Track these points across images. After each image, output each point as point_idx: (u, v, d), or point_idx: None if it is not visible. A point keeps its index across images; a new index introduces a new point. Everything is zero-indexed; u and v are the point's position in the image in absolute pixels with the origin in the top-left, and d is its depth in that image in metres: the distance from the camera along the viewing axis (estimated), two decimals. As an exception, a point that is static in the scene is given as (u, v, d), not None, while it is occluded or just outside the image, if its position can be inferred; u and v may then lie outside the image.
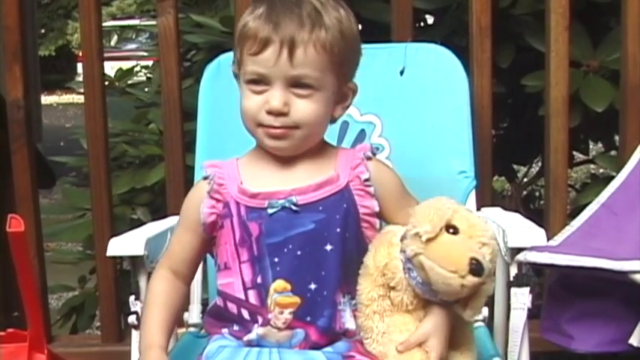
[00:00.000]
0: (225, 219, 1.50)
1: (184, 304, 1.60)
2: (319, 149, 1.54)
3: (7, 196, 2.56)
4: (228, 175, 1.53)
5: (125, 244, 1.69)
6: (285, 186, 1.48)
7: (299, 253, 1.45)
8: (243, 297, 1.48)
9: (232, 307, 1.49)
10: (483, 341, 1.75)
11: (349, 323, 1.47)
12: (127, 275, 1.82)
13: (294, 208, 1.46)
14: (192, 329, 1.92)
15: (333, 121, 1.56)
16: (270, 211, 1.47)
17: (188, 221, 1.56)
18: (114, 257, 1.95)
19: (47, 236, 2.73)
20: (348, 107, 1.57)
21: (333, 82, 1.49)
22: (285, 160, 1.52)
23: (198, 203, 1.53)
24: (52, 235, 3.03)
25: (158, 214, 2.55)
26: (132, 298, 1.69)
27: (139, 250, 1.67)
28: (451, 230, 1.39)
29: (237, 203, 1.49)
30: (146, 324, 1.53)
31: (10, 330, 1.89)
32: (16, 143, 2.44)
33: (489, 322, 1.86)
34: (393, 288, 1.45)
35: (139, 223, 2.15)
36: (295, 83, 1.45)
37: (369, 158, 1.53)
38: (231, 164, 1.55)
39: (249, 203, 1.49)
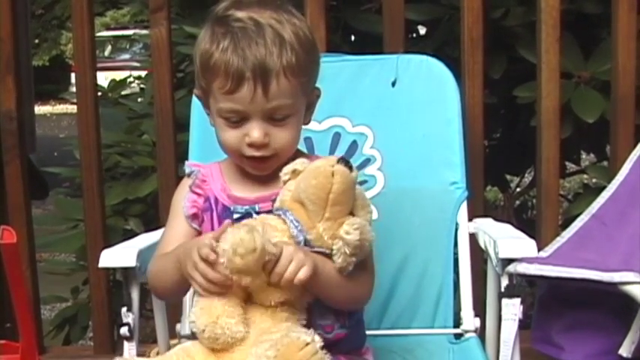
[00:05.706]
0: (206, 212, 1.56)
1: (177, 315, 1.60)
2: (292, 158, 1.55)
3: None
4: (212, 173, 1.59)
5: (117, 256, 1.70)
6: (252, 193, 1.54)
7: None
8: None
9: None
10: (475, 352, 1.76)
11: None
12: (120, 286, 1.81)
13: (255, 216, 1.50)
14: (184, 340, 1.92)
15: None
16: (235, 216, 1.52)
17: (176, 213, 1.60)
18: (106, 269, 1.95)
19: (40, 247, 2.73)
20: (314, 111, 1.60)
21: (303, 101, 1.53)
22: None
23: (183, 198, 1.59)
24: (45, 246, 3.03)
25: (151, 225, 2.55)
26: (124, 309, 1.70)
27: (130, 261, 1.67)
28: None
29: (217, 199, 1.56)
30: (165, 258, 1.53)
31: (1, 341, 1.89)
32: (9, 154, 2.44)
33: (481, 332, 1.87)
34: None
35: (132, 234, 2.15)
36: (272, 115, 1.48)
37: None
38: (215, 166, 1.61)
39: (225, 202, 1.55)
